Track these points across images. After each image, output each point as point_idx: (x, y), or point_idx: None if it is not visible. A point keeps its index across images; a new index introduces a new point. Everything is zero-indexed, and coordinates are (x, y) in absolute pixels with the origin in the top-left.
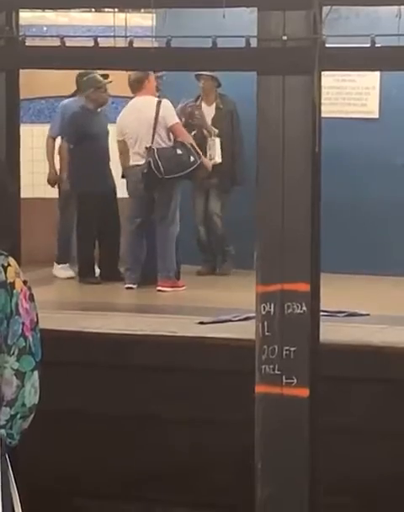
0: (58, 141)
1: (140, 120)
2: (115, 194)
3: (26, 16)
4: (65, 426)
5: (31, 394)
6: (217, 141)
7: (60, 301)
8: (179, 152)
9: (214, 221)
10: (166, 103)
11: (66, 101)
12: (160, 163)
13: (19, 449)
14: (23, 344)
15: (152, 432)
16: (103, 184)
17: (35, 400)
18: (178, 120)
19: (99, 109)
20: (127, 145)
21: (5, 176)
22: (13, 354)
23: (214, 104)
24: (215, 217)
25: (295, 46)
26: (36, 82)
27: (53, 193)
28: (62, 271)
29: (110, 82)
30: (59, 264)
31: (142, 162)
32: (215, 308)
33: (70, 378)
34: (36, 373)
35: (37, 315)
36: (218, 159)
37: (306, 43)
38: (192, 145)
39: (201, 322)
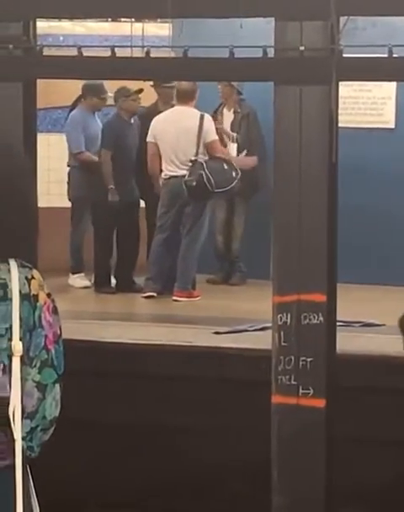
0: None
1: (178, 131)
2: (139, 205)
3: (43, 25)
4: (81, 436)
5: (52, 407)
6: (233, 146)
7: (76, 311)
8: (226, 166)
9: (234, 233)
10: (208, 117)
11: (75, 113)
12: (211, 177)
13: (35, 459)
14: (46, 356)
15: (168, 441)
16: (129, 194)
17: (56, 413)
18: (216, 136)
19: (132, 120)
20: (159, 149)
21: (27, 187)
22: (35, 366)
23: (233, 109)
24: (236, 230)
25: (312, 56)
26: (53, 92)
27: (69, 202)
28: (78, 281)
29: (142, 91)
30: (74, 273)
31: (178, 173)
32: (230, 318)
33: (85, 388)
34: (58, 386)
35: (60, 328)
36: None
37: (324, 53)
38: (230, 160)
39: (217, 333)
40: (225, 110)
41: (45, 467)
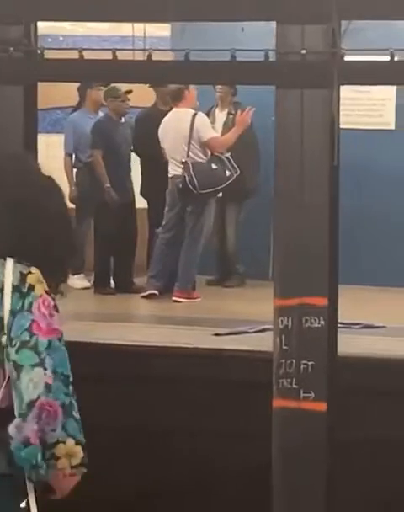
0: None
1: (176, 132)
2: (134, 205)
3: (42, 26)
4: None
5: (29, 389)
6: None
7: (75, 312)
8: (214, 166)
9: (227, 234)
10: (200, 116)
11: (73, 115)
12: (195, 179)
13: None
14: (27, 338)
15: (167, 444)
16: (122, 195)
17: (33, 396)
18: (214, 133)
19: (122, 120)
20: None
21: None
22: (14, 345)
23: (226, 110)
24: (229, 231)
25: (313, 60)
26: (52, 93)
27: (70, 203)
28: (78, 281)
29: (130, 91)
30: (74, 274)
31: (179, 172)
32: (229, 320)
33: (84, 390)
34: (40, 370)
35: (60, 327)
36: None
37: (325, 57)
38: (228, 158)
39: (217, 334)
40: (217, 111)
41: None
